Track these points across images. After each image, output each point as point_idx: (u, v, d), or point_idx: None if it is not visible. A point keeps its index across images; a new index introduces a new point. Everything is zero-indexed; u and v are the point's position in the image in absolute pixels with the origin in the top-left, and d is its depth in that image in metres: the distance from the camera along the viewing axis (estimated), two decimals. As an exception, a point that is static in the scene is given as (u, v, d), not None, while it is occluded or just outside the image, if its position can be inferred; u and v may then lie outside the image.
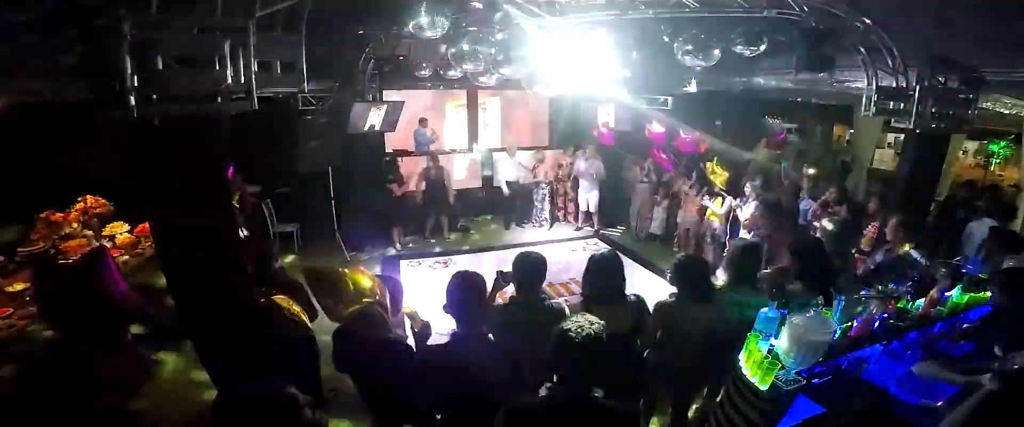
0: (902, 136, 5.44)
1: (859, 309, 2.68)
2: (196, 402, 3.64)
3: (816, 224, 4.72)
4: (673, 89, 5.95)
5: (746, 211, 5.32)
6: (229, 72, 2.31)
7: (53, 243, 4.33)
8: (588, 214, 8.07)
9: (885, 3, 3.57)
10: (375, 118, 6.40)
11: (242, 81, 2.39)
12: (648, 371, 2.85)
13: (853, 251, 4.31)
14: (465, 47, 4.27)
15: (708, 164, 5.85)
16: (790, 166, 7.05)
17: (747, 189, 5.49)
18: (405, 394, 2.46)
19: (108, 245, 4.66)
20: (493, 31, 4.52)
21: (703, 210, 6.25)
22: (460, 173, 8.17)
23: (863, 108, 4.21)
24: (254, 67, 2.43)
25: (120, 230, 4.90)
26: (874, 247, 4.18)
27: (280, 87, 3.23)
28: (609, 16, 4.11)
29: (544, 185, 8.14)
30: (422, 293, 4.59)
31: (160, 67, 2.09)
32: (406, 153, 7.81)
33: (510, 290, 2.69)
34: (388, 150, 7.69)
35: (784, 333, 2.29)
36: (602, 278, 2.67)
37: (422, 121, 8.10)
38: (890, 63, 3.95)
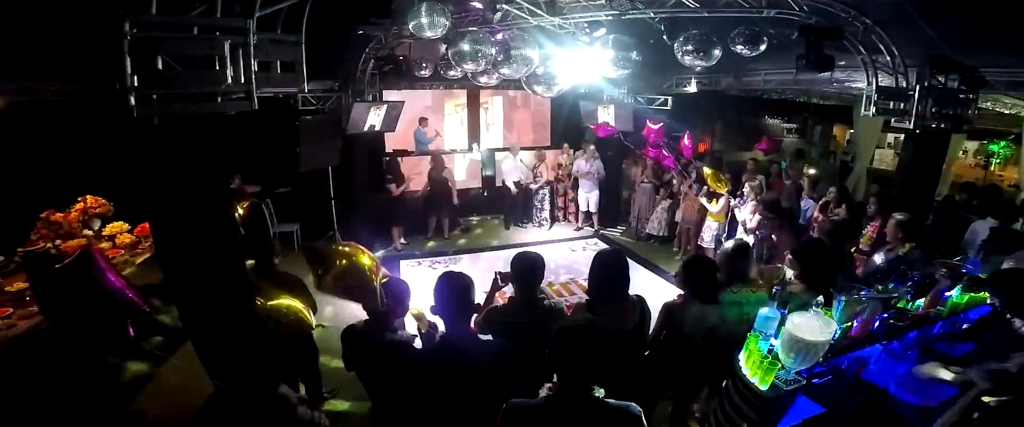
0: (902, 136, 5.43)
1: (859, 309, 2.68)
2: (196, 402, 3.61)
3: (816, 224, 4.71)
4: (673, 89, 5.95)
5: (744, 211, 5.32)
6: (229, 72, 2.32)
7: (53, 243, 4.33)
8: (588, 214, 8.07)
9: (885, 3, 3.57)
10: (375, 118, 6.41)
11: (242, 81, 2.39)
12: (650, 371, 2.85)
13: (853, 251, 4.30)
14: (465, 47, 4.26)
15: (707, 172, 5.85)
16: (788, 166, 7.05)
17: (746, 189, 5.49)
18: (410, 394, 2.45)
19: (108, 245, 4.66)
20: (493, 31, 4.52)
21: (704, 210, 6.26)
22: (460, 173, 8.18)
23: (863, 108, 4.22)
24: (254, 67, 2.44)
25: (120, 230, 4.90)
26: (874, 247, 4.17)
27: (280, 87, 3.23)
28: (609, 16, 4.11)
29: (544, 185, 8.15)
30: (422, 293, 4.57)
31: (160, 67, 2.10)
32: (406, 153, 7.81)
33: (509, 290, 2.69)
34: (388, 150, 7.69)
35: (784, 333, 2.29)
36: (608, 276, 2.66)
37: (422, 120, 8.10)
38: (890, 63, 3.95)
